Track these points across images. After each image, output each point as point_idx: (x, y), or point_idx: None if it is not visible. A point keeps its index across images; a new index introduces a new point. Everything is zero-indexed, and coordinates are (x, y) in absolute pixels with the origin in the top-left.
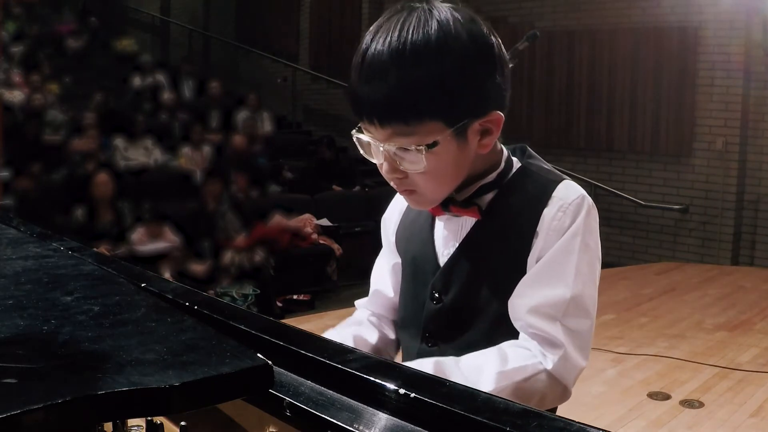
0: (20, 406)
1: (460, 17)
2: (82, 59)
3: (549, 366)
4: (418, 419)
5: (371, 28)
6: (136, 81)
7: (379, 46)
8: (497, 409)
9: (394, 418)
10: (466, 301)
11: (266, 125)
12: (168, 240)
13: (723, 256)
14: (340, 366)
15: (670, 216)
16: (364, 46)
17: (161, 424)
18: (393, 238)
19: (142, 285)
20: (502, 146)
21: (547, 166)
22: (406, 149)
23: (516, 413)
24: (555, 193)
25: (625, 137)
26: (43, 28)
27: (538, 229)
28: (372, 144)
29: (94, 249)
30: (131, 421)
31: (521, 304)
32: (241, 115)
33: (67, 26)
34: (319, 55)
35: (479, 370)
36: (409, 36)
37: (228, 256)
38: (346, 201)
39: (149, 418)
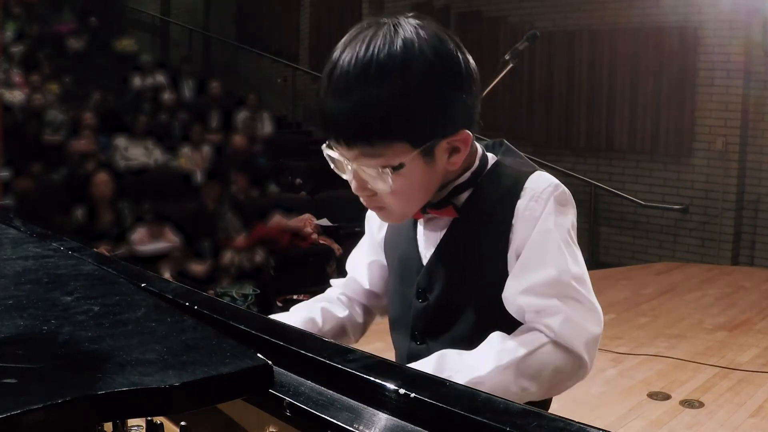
0: (20, 406)
1: (425, 35)
2: (82, 59)
3: (552, 334)
4: (418, 419)
5: (340, 42)
6: (136, 81)
7: (345, 63)
8: (497, 409)
9: (394, 418)
10: (449, 298)
11: (266, 125)
12: (168, 240)
13: (723, 256)
14: (340, 366)
15: (670, 216)
16: (331, 61)
17: (161, 424)
18: (379, 238)
19: (142, 285)
20: (477, 145)
21: (522, 159)
22: (372, 170)
23: (516, 413)
24: (527, 184)
25: (625, 137)
26: (43, 28)
27: (513, 221)
28: (341, 161)
29: (94, 249)
30: (131, 421)
31: (511, 294)
32: (241, 115)
33: (67, 26)
34: (319, 55)
35: (479, 353)
36: (374, 55)
37: (228, 256)
38: (346, 201)
39: (149, 418)
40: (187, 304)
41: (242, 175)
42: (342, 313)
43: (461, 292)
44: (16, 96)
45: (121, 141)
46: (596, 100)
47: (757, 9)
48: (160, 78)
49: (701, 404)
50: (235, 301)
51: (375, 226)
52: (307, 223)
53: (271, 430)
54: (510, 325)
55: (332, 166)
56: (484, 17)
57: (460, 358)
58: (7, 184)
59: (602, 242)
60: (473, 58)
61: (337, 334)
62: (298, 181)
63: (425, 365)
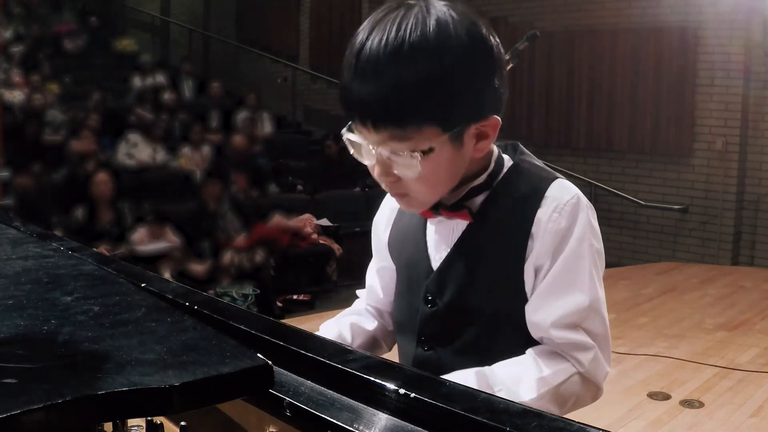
0: (20, 406)
1: (458, 17)
2: (82, 59)
3: (581, 369)
4: (418, 419)
5: (365, 24)
6: (136, 81)
7: (374, 45)
8: (497, 409)
9: (394, 418)
10: (460, 304)
11: (266, 125)
12: (168, 240)
13: (723, 256)
14: (340, 366)
15: (670, 216)
16: (358, 43)
17: (161, 424)
18: (385, 239)
19: (142, 285)
20: (493, 146)
21: (539, 163)
22: (399, 154)
23: (516, 413)
24: (548, 193)
25: (625, 137)
26: (43, 28)
27: (533, 231)
28: (363, 146)
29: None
30: (131, 421)
31: (542, 319)
32: (241, 115)
33: (67, 26)
34: (319, 55)
35: (518, 378)
36: (407, 35)
37: (228, 256)
38: (346, 201)
39: (149, 418)
40: (187, 304)
41: (242, 175)
42: (371, 325)
43: (472, 299)
44: (16, 96)
45: (133, 136)
46: (596, 100)
47: (757, 9)
48: (160, 78)
49: (701, 404)
50: (235, 301)
51: (381, 228)
52: (307, 223)
53: (271, 430)
54: (520, 334)
55: (352, 151)
56: (484, 17)
57: (499, 379)
58: (7, 184)
59: (602, 242)
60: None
61: (369, 346)
62: (299, 188)
63: (467, 381)
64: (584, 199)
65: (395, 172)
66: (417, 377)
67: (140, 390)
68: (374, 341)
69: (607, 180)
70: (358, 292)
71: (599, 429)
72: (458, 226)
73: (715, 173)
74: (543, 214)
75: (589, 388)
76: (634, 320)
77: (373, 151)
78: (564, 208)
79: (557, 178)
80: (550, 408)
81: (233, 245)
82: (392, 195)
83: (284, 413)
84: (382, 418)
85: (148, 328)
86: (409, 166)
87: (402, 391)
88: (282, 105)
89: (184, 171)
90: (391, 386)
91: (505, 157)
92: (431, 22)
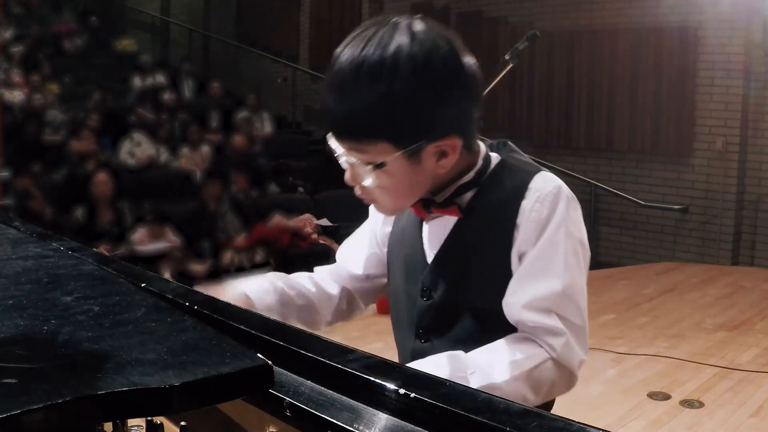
0: (20, 406)
1: (422, 39)
2: (82, 59)
3: (554, 354)
4: (418, 419)
5: (348, 36)
6: (136, 81)
7: (343, 61)
8: (497, 409)
9: (394, 418)
10: (454, 296)
11: (266, 125)
12: (168, 240)
13: (723, 256)
14: (340, 366)
15: (670, 216)
16: (334, 56)
17: (161, 424)
18: (383, 231)
19: (142, 285)
20: (480, 143)
21: (526, 158)
22: (358, 164)
23: (516, 413)
24: (531, 185)
25: (625, 137)
26: (43, 28)
27: (517, 221)
28: (338, 151)
29: (94, 249)
30: (131, 421)
31: (515, 302)
32: (241, 115)
33: (67, 26)
34: (319, 55)
35: (491, 361)
36: (368, 55)
37: (228, 256)
38: (346, 201)
39: (149, 418)
40: (187, 304)
41: (242, 175)
42: (311, 288)
43: (465, 292)
44: (16, 96)
45: (137, 135)
46: (596, 100)
47: (757, 9)
48: (160, 78)
49: (701, 404)
50: None
51: (380, 221)
52: (307, 223)
53: (271, 430)
54: (513, 325)
55: (336, 154)
56: (484, 17)
57: (473, 362)
58: (7, 184)
59: (602, 242)
60: (473, 58)
61: (303, 306)
62: (300, 189)
63: (439, 368)
64: (566, 190)
65: (360, 179)
66: (417, 377)
67: (140, 390)
68: (309, 302)
69: (607, 180)
70: (316, 268)
71: (599, 429)
72: (450, 222)
73: (715, 173)
74: (526, 204)
75: (563, 374)
76: (634, 320)
77: (343, 158)
78: (545, 198)
79: (541, 170)
80: (524, 392)
81: (233, 245)
82: (362, 200)
83: (284, 413)
84: (382, 418)
85: (148, 328)
86: (365, 176)
87: (402, 391)
88: (282, 105)
89: (184, 171)
90: (391, 386)
91: (493, 154)
92: (392, 45)
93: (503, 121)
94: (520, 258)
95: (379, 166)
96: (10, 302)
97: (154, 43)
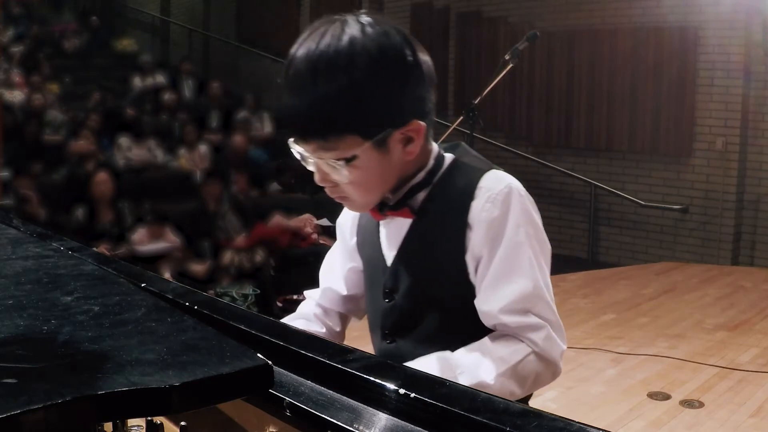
0: (20, 406)
1: (371, 31)
2: (82, 59)
3: (536, 348)
4: (418, 419)
5: (301, 35)
6: (136, 81)
7: (298, 62)
8: (497, 409)
9: (394, 418)
10: (413, 297)
11: (266, 125)
12: (168, 240)
13: (723, 256)
14: (340, 366)
15: (670, 216)
16: (288, 58)
17: (161, 424)
18: (351, 242)
19: (142, 285)
20: (434, 144)
21: (479, 158)
22: (328, 162)
23: (516, 413)
24: (481, 183)
25: (625, 137)
26: (43, 28)
27: (469, 221)
28: (303, 155)
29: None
30: (131, 421)
31: (490, 309)
32: (241, 116)
33: (67, 26)
34: None
35: (477, 360)
36: (323, 51)
37: (228, 256)
38: None
39: (149, 418)
40: (187, 304)
41: (242, 175)
42: (320, 332)
43: (424, 292)
44: (16, 96)
45: (125, 140)
46: (596, 100)
47: (757, 9)
48: (160, 78)
49: (701, 404)
50: (235, 301)
51: (347, 233)
52: (307, 223)
53: (271, 430)
54: (474, 323)
55: (300, 159)
56: (484, 17)
57: (460, 362)
58: (7, 184)
59: (602, 242)
60: (473, 59)
61: None
62: (292, 180)
63: (428, 369)
64: (518, 188)
65: (330, 178)
66: (417, 377)
67: (140, 390)
68: None
69: (607, 180)
70: (306, 293)
71: (599, 429)
72: (406, 224)
73: (715, 173)
74: (476, 204)
75: (548, 366)
76: (634, 320)
77: (311, 160)
78: (496, 197)
79: (492, 169)
80: (511, 387)
81: (233, 245)
82: (334, 199)
83: (284, 413)
84: (382, 418)
85: (148, 328)
86: (338, 173)
87: (402, 391)
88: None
89: (184, 171)
90: (391, 386)
91: (447, 155)
92: (344, 39)
93: (503, 121)
94: (477, 260)
95: (350, 160)
96: (10, 302)
97: (154, 43)
